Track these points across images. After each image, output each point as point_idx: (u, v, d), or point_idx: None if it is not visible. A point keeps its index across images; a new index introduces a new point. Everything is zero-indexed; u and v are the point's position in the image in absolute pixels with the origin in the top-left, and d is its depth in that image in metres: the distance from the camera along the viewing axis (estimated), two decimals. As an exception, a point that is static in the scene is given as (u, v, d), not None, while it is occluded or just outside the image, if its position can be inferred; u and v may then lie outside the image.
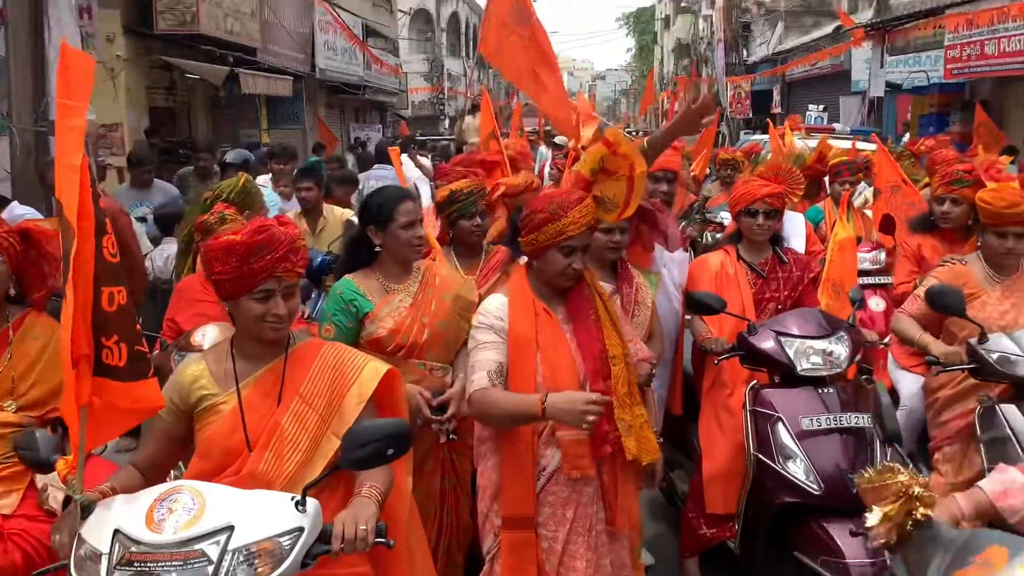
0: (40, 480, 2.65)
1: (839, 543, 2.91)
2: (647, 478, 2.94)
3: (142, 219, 6.42)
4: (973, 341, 3.27)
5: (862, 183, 7.14)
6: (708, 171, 9.95)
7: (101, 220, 1.88)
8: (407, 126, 22.51)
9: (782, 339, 3.31)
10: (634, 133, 25.69)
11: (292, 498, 1.83)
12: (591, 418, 2.31)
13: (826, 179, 6.69)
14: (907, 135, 13.89)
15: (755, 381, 3.42)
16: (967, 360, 3.29)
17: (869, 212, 6.42)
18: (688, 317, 3.86)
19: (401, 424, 1.95)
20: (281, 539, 1.78)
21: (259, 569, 1.74)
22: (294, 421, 2.11)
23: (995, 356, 3.19)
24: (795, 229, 5.24)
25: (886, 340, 4.50)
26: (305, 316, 3.81)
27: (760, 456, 3.20)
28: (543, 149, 13.63)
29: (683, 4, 37.98)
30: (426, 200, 6.48)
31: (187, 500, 1.79)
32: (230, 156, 8.61)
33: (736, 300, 3.65)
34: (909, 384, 4.13)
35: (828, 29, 20.37)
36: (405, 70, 29.57)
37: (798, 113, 17.04)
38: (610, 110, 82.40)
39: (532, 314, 2.62)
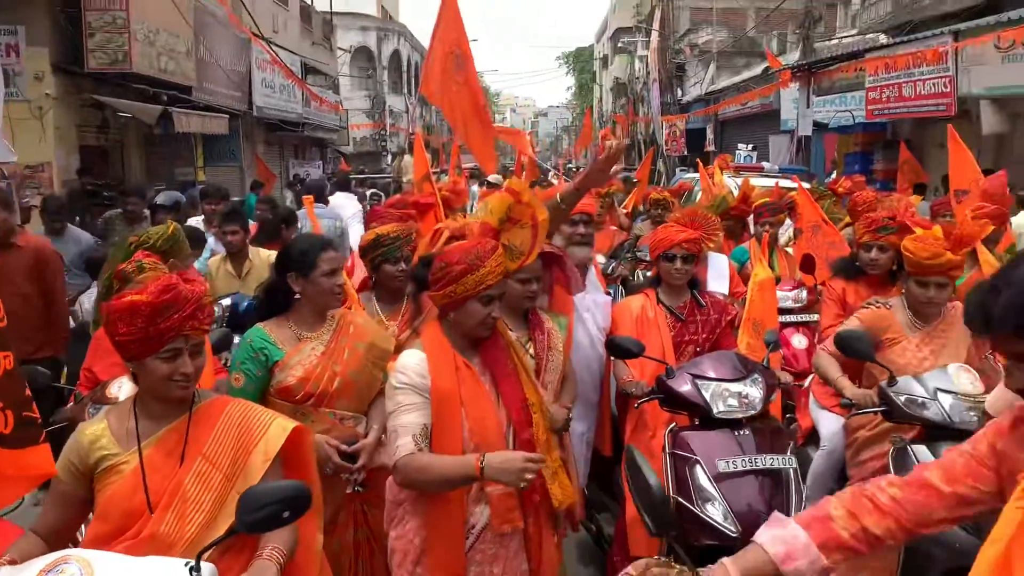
0: None
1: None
2: (564, 519, 2.96)
3: None
4: (883, 384, 3.35)
5: (787, 221, 7.35)
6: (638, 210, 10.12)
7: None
8: (347, 162, 22.48)
9: (699, 382, 3.37)
10: (574, 169, 26.05)
11: (186, 563, 1.79)
12: (529, 476, 2.31)
13: (751, 219, 6.88)
14: (834, 173, 14.36)
15: (674, 424, 3.47)
16: (878, 403, 3.36)
17: (791, 250, 6.60)
18: (612, 360, 3.92)
19: (297, 486, 1.93)
20: (174, 608, 1.74)
21: (152, 639, 1.70)
22: (197, 481, 2.07)
23: (903, 399, 3.28)
24: (719, 271, 5.37)
25: (808, 380, 4.60)
26: (225, 364, 3.76)
27: (679, 499, 3.23)
28: (475, 188, 13.76)
29: (620, 45, 38.80)
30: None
31: (74, 571, 1.74)
32: (160, 198, 8.48)
33: (656, 343, 3.72)
34: (829, 424, 4.16)
35: (758, 70, 21.01)
36: (346, 106, 29.59)
37: (730, 151, 17.51)
38: (552, 146, 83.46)
39: (453, 369, 2.57)
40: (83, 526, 2.38)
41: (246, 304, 5.00)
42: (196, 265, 5.58)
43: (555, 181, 14.74)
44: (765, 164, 13.78)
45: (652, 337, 3.73)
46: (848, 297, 4.33)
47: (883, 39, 14.28)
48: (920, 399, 3.26)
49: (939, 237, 3.56)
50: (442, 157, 22.29)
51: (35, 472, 1.94)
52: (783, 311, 5.46)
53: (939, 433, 3.21)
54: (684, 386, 3.38)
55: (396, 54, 40.01)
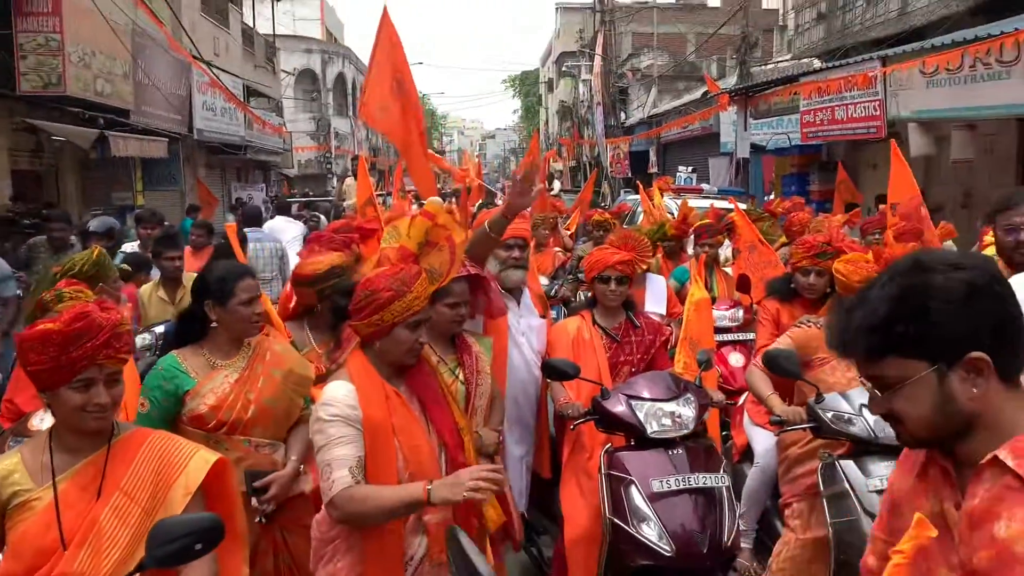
0: None
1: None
2: (504, 540, 2.96)
3: None
4: (811, 401, 3.41)
5: (726, 242, 7.50)
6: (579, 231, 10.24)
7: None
8: (291, 185, 22.28)
9: (633, 403, 3.41)
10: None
11: (100, 602, 1.74)
12: (484, 484, 2.23)
13: (690, 239, 7.00)
14: (772, 194, 14.69)
15: (609, 444, 3.49)
16: (807, 420, 3.42)
17: (729, 270, 6.72)
18: (549, 382, 3.93)
19: (211, 518, 1.89)
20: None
21: None
22: (114, 516, 2.02)
23: (830, 415, 3.34)
24: (656, 292, 5.45)
25: (743, 398, 4.67)
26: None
27: (615, 520, 3.25)
28: (414, 209, 13.73)
29: (564, 69, 39.30)
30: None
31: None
32: (93, 224, 8.25)
33: (592, 364, 3.75)
34: (763, 441, 4.22)
35: (698, 94, 21.45)
36: (291, 129, 29.38)
37: (672, 173, 17.82)
38: (500, 167, 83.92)
39: (383, 398, 2.51)
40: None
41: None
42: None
43: (501, 203, 14.79)
44: (705, 186, 14.08)
45: (588, 358, 3.76)
46: (782, 317, 4.39)
47: (817, 64, 14.70)
48: (846, 415, 3.32)
49: (869, 260, 3.65)
50: (387, 179, 22.25)
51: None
52: (720, 330, 5.56)
53: (867, 448, 3.28)
54: (618, 407, 3.41)
55: (341, 76, 39.94)
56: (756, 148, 16.01)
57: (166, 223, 8.04)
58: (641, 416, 3.37)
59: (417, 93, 5.39)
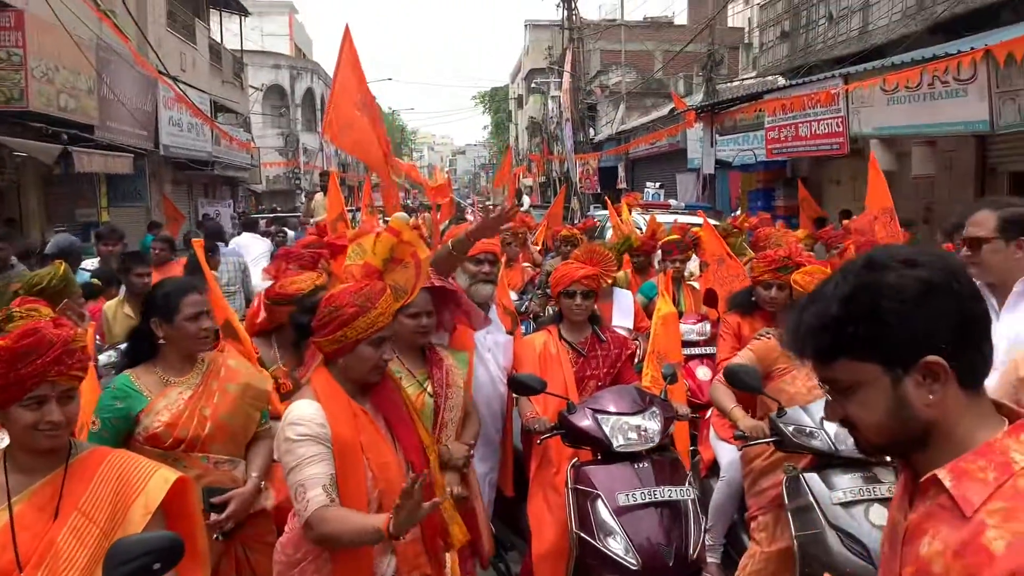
0: None
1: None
2: (472, 556, 2.95)
3: None
4: (773, 415, 3.43)
5: (693, 256, 7.58)
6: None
7: None
8: (258, 201, 22.11)
9: (599, 416, 3.42)
10: (492, 206, 26.20)
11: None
12: (427, 505, 2.20)
13: (658, 254, 7.07)
14: (739, 210, 14.88)
15: (576, 459, 3.50)
16: (769, 434, 3.44)
17: (696, 284, 6.79)
18: (516, 397, 3.93)
19: (169, 537, 1.86)
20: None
21: None
22: (72, 537, 1.98)
23: (792, 429, 3.36)
24: (624, 307, 5.48)
25: (710, 412, 4.70)
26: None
27: (582, 534, 3.25)
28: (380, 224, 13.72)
29: (533, 85, 39.55)
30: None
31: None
32: (50, 246, 8.12)
33: (559, 379, 3.76)
34: (727, 454, 4.24)
35: (665, 110, 21.68)
36: (259, 144, 29.18)
37: (641, 188, 17.97)
38: (471, 183, 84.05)
39: (351, 415, 2.49)
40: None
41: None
42: None
43: (471, 218, 14.82)
44: (672, 201, 14.21)
45: (555, 373, 3.77)
46: (744, 330, 4.43)
47: (781, 81, 14.95)
48: (808, 429, 3.35)
49: (827, 272, 3.71)
50: (356, 195, 22.17)
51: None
52: (688, 343, 5.60)
53: (829, 461, 3.31)
54: (585, 421, 3.42)
55: (310, 92, 39.83)
56: (722, 164, 16.22)
57: (125, 240, 7.96)
58: (607, 430, 3.38)
59: (379, 111, 5.41)
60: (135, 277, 5.51)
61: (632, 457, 3.39)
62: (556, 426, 3.52)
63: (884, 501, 3.09)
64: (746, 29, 26.32)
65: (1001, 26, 8.84)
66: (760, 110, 12.89)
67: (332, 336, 2.48)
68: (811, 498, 3.25)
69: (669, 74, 26.98)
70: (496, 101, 60.43)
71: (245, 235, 10.62)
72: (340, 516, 2.33)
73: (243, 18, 26.51)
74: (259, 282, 7.45)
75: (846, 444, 3.27)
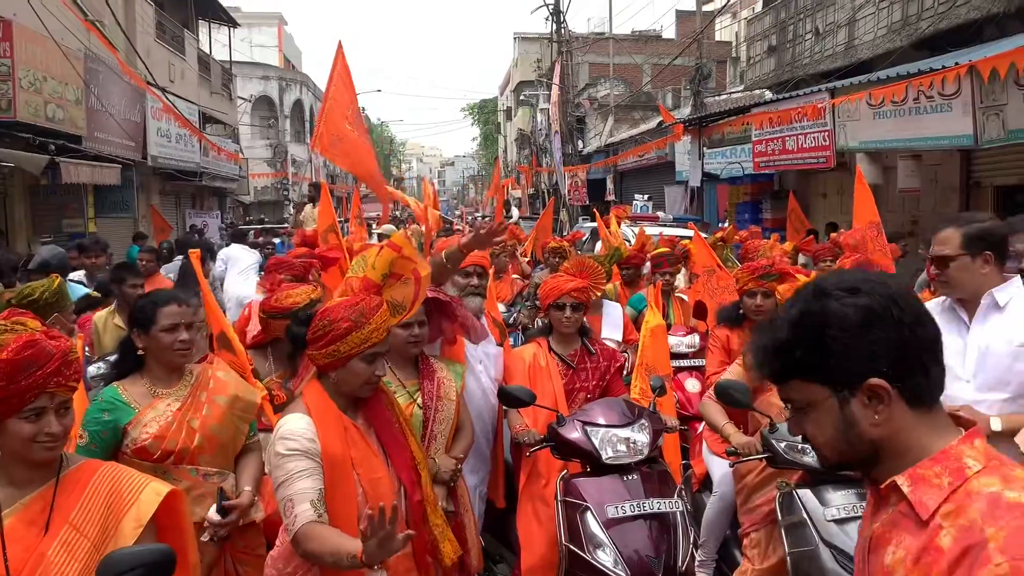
0: None
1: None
2: (460, 567, 2.94)
3: None
4: (765, 431, 3.42)
5: (682, 268, 7.63)
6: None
7: None
8: (246, 212, 22.05)
9: (588, 429, 3.43)
10: (482, 218, 26.24)
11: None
12: (400, 537, 2.16)
13: (647, 266, 7.10)
14: (726, 222, 14.96)
15: (566, 471, 3.51)
16: (761, 450, 3.42)
17: (685, 296, 6.82)
18: (505, 409, 3.94)
19: (161, 550, 1.86)
20: None
21: None
22: (62, 551, 1.97)
23: (783, 445, 3.35)
24: (613, 319, 5.50)
25: (702, 425, 4.70)
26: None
27: (571, 546, 3.26)
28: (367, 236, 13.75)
29: (522, 97, 39.66)
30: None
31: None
32: (35, 261, 8.08)
33: (548, 391, 3.77)
34: (720, 469, 4.21)
35: (653, 123, 21.78)
36: (247, 155, 29.14)
37: (629, 201, 18.04)
38: (460, 194, 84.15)
39: (341, 430, 2.48)
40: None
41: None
42: None
43: (460, 229, 14.85)
44: (660, 214, 14.27)
45: (544, 385, 3.79)
46: (732, 344, 4.45)
47: (768, 95, 15.05)
48: (799, 445, 3.33)
49: None
50: (345, 206, 22.16)
51: None
52: (677, 356, 5.62)
53: (822, 477, 3.30)
54: (574, 433, 3.43)
55: (299, 103, 39.83)
56: (710, 177, 16.31)
57: (110, 251, 7.94)
58: (596, 442, 3.39)
59: (367, 129, 5.43)
60: (128, 288, 5.50)
61: (621, 469, 3.39)
62: (545, 438, 3.53)
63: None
64: (733, 43, 26.55)
65: (984, 42, 8.95)
66: (747, 123, 12.97)
67: (325, 350, 2.48)
68: (805, 514, 3.23)
69: (657, 87, 27.15)
70: (485, 113, 60.58)
71: (234, 246, 10.59)
72: (323, 535, 2.32)
73: (232, 29, 26.50)
74: (250, 293, 7.44)
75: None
